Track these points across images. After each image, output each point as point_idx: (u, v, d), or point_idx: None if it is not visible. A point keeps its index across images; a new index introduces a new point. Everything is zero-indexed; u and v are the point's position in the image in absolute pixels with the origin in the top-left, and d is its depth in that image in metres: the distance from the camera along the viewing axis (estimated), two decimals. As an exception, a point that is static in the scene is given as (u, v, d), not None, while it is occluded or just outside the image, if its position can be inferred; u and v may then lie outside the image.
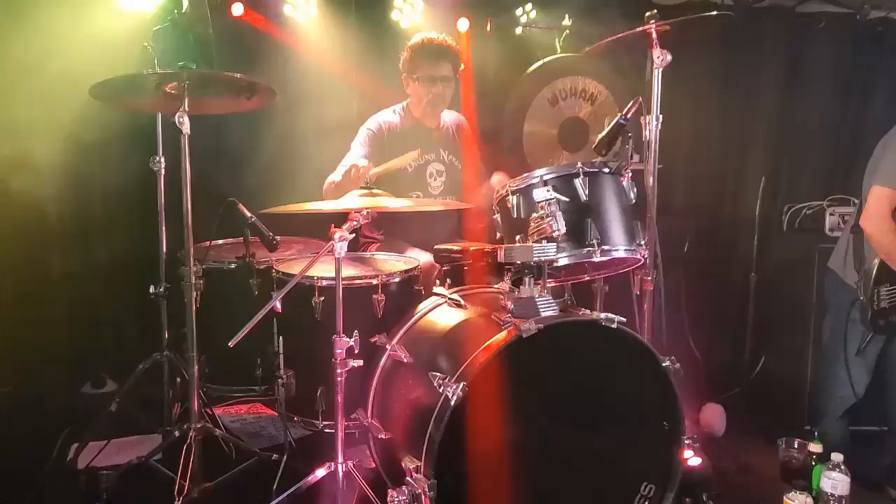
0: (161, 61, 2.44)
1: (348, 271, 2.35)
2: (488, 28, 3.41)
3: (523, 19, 3.51)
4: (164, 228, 2.58)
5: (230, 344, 1.75)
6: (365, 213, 2.02)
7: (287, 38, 3.28)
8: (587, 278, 2.46)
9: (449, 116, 3.06)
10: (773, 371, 3.52)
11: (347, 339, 1.97)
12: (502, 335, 1.82)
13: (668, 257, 3.24)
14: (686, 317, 3.35)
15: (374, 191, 2.11)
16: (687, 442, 1.99)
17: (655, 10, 2.39)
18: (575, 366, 1.95)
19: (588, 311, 2.02)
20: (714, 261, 3.67)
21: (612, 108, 3.33)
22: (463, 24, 3.43)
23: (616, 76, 3.37)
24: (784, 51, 3.76)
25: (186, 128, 2.07)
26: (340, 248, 1.95)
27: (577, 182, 2.11)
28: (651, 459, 2.01)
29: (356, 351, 1.99)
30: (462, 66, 2.92)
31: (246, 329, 1.78)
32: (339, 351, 1.96)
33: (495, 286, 2.30)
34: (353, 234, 2.00)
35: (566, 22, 3.43)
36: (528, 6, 3.47)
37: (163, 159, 2.49)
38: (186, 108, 2.05)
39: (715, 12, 2.33)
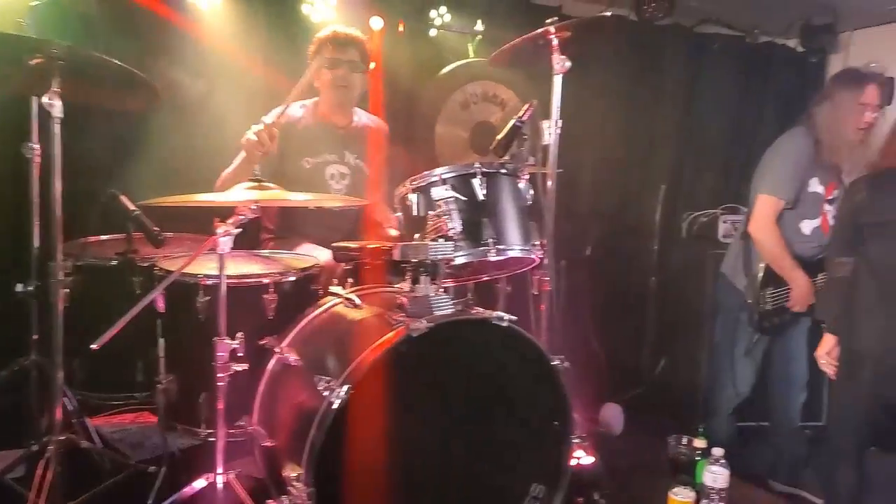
0: (38, 40, 2.25)
1: (241, 269, 2.25)
2: (401, 28, 3.38)
3: (437, 22, 3.50)
4: (36, 221, 2.37)
5: (94, 346, 1.62)
6: (253, 206, 1.93)
7: (188, 26, 3.13)
8: (486, 278, 2.45)
9: (365, 118, 2.98)
10: (672, 371, 3.66)
11: (230, 342, 1.87)
12: (391, 335, 1.78)
13: (573, 260, 3.32)
14: (590, 318, 3.42)
15: (264, 183, 2.02)
16: (577, 441, 2.01)
17: (556, 18, 2.42)
18: (467, 365, 1.93)
19: (482, 311, 2.01)
20: (618, 264, 3.77)
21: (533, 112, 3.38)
22: (376, 23, 3.37)
23: (526, 83, 3.41)
24: (684, 67, 3.93)
25: (57, 110, 1.92)
26: (224, 243, 1.85)
27: (475, 182, 2.10)
28: (541, 459, 2.01)
29: (240, 354, 1.89)
30: (373, 64, 2.86)
31: (113, 330, 1.66)
32: (220, 354, 1.85)
33: (396, 286, 2.27)
34: (240, 230, 1.90)
35: (479, 27, 3.45)
36: (443, 9, 3.47)
37: (37, 146, 2.29)
38: (57, 88, 1.90)
39: (609, 13, 2.38)
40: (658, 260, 3.56)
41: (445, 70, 3.33)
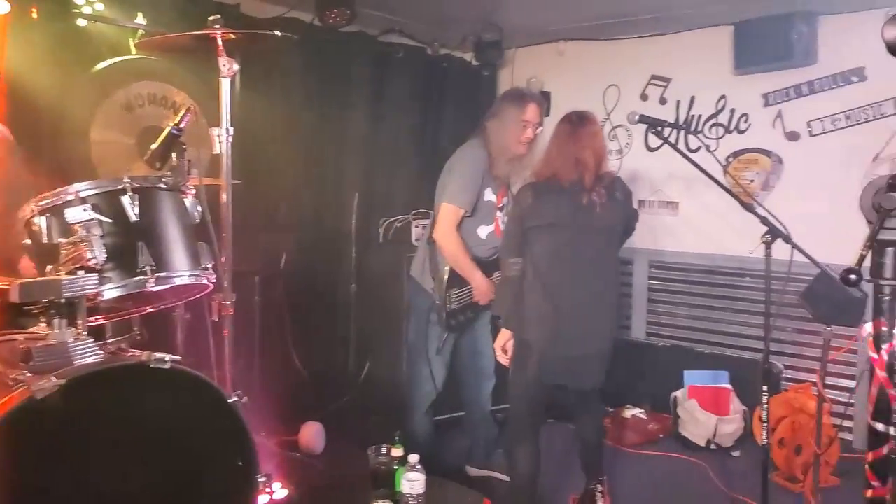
0: None
1: None
2: (34, 13, 2.81)
3: (87, 10, 3.00)
4: None
5: None
6: None
7: None
8: (151, 309, 2.15)
9: None
10: (377, 376, 3.71)
11: None
12: (5, 400, 1.42)
13: (268, 275, 3.16)
14: (290, 334, 3.29)
15: None
16: (264, 479, 1.87)
17: (219, 16, 2.22)
18: (127, 416, 1.64)
19: (138, 353, 1.74)
20: (318, 274, 3.71)
21: (197, 119, 3.07)
22: (2, 7, 2.77)
23: (203, 86, 3.12)
24: (370, 75, 4.01)
25: None
26: None
27: (125, 200, 1.81)
28: (229, 502, 1.83)
29: None
30: None
31: None
32: None
33: (31, 329, 1.85)
34: None
35: (140, 20, 3.05)
36: (93, -4, 2.98)
37: None
38: None
39: (279, 32, 2.27)
40: (357, 266, 3.58)
41: (100, 67, 2.87)
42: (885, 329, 0.72)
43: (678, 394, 3.72)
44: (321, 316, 3.69)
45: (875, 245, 0.73)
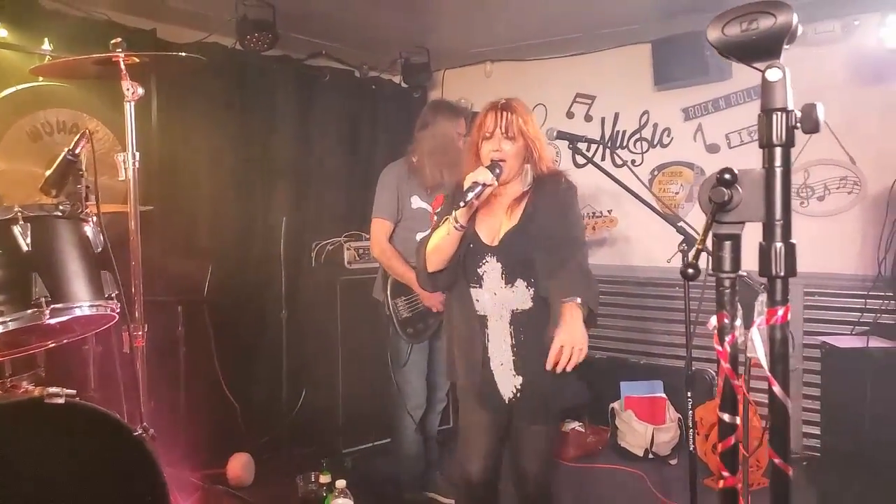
0: None
1: None
2: (-72, 40, 2.70)
3: (-11, 37, 2.89)
4: None
5: None
6: None
7: None
8: (54, 343, 2.04)
9: None
10: (313, 403, 3.62)
11: None
12: None
13: (190, 303, 3.05)
14: (218, 363, 3.19)
15: None
16: (174, 515, 1.78)
17: (121, 39, 2.16)
18: (24, 456, 1.55)
19: (31, 388, 1.65)
20: (247, 301, 3.61)
21: (113, 146, 2.98)
22: None
23: (118, 112, 3.03)
24: (296, 99, 3.97)
25: None
26: None
27: (16, 229, 1.73)
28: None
29: None
30: None
31: None
32: None
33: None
34: None
35: (47, 46, 2.95)
36: (-6, 22, 2.87)
37: None
38: None
39: (184, 54, 2.23)
40: (287, 291, 3.50)
41: (3, 94, 2.76)
42: (727, 321, 0.72)
43: (615, 405, 3.76)
44: (252, 344, 3.58)
45: (714, 239, 0.74)
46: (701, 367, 3.79)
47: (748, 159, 3.83)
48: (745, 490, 2.94)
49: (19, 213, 1.74)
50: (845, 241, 3.58)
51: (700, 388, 3.63)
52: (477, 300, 2.08)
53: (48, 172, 1.90)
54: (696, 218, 3.98)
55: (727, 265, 0.74)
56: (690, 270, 0.76)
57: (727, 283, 0.74)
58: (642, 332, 4.18)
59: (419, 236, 2.95)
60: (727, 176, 0.74)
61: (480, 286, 2.06)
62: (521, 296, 2.03)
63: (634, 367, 4.02)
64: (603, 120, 4.28)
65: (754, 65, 0.75)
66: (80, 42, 2.92)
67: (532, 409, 2.06)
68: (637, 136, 4.19)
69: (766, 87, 0.72)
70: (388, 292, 2.94)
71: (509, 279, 2.03)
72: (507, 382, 2.05)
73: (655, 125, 4.13)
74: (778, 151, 0.70)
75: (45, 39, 2.93)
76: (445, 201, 2.25)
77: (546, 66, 4.39)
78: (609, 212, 4.20)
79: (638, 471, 3.42)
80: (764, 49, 0.72)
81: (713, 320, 0.75)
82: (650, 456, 3.53)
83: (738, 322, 0.73)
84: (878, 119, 3.45)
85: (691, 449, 2.50)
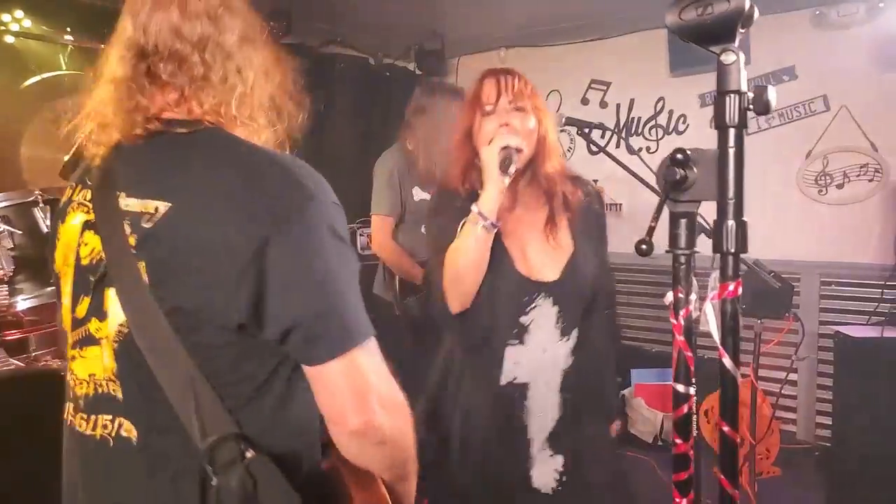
0: None
1: None
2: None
3: (14, 27, 3.00)
4: None
5: None
6: None
7: None
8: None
9: None
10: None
11: None
12: None
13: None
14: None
15: None
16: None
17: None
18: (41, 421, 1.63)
19: (52, 362, 1.73)
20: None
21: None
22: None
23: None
24: (312, 85, 3.99)
25: None
26: None
27: (37, 212, 1.82)
28: None
29: None
30: None
31: None
32: None
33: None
34: None
35: (69, 37, 3.05)
36: (19, 13, 2.98)
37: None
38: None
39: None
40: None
41: (28, 83, 2.87)
42: (681, 296, 0.76)
43: (626, 392, 3.78)
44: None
45: (671, 217, 0.77)
46: (713, 357, 3.79)
47: (765, 146, 3.80)
48: (751, 479, 2.95)
49: (39, 196, 1.82)
50: (865, 229, 3.53)
51: (711, 376, 3.63)
52: (516, 363, 1.48)
53: (66, 157, 1.98)
54: (711, 205, 3.96)
55: (682, 242, 0.77)
56: (643, 246, 0.79)
57: (682, 259, 0.77)
58: (654, 321, 4.18)
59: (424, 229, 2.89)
60: (679, 156, 0.77)
61: (522, 342, 1.47)
62: (570, 349, 1.51)
63: (645, 354, 4.02)
64: (618, 106, 4.27)
65: (711, 48, 0.77)
66: (101, 31, 3.01)
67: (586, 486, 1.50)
68: (652, 122, 4.17)
69: (720, 70, 0.75)
70: (397, 291, 2.79)
71: (566, 330, 1.48)
72: (546, 469, 1.49)
73: (671, 112, 4.10)
74: (731, 133, 0.73)
75: (68, 28, 3.03)
76: (436, 208, 1.67)
77: (560, 52, 4.38)
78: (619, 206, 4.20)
79: (647, 457, 3.44)
80: (719, 33, 0.74)
81: (669, 296, 0.78)
82: (660, 443, 3.55)
83: (693, 297, 0.76)
84: (903, 105, 3.38)
85: (694, 433, 2.51)
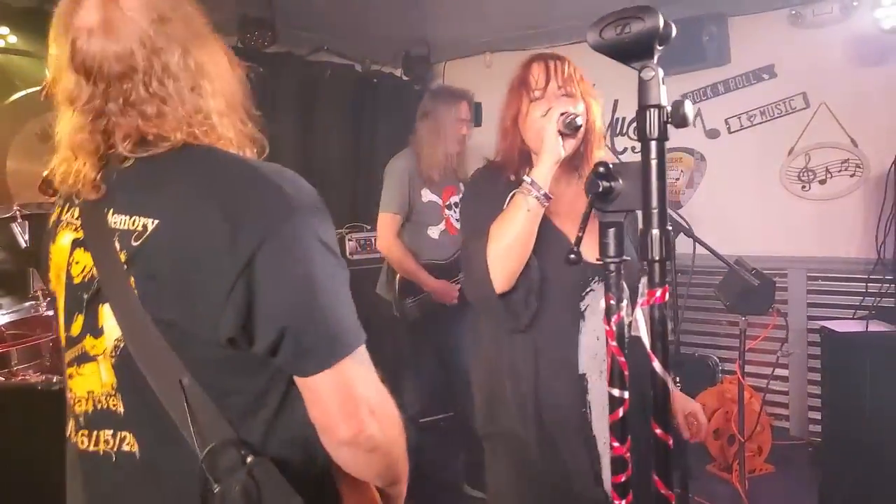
0: None
1: None
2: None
3: (0, 44, 3.04)
4: None
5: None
6: None
7: None
8: (54, 336, 2.17)
9: None
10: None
11: None
12: None
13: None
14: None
15: None
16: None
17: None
18: (15, 440, 1.66)
19: (32, 376, 1.76)
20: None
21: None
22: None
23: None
24: (300, 93, 4.06)
25: None
26: None
27: (15, 227, 1.85)
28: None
29: None
30: None
31: None
32: None
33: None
34: None
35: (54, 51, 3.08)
36: (4, 30, 3.02)
37: None
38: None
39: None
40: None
41: (13, 97, 2.90)
42: (612, 303, 0.78)
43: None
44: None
45: (600, 227, 0.80)
46: (704, 354, 3.80)
47: (748, 145, 3.82)
48: (741, 476, 2.96)
49: (18, 212, 1.85)
50: (848, 224, 3.55)
51: (704, 374, 3.64)
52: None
53: (45, 173, 2.00)
54: (697, 204, 3.99)
55: (611, 251, 0.80)
56: (572, 256, 0.82)
57: (612, 267, 0.79)
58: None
59: (433, 231, 2.90)
60: (601, 169, 0.79)
61: (580, 328, 1.42)
62: None
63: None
64: (602, 107, 4.28)
65: (632, 65, 0.80)
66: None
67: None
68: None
69: (641, 86, 0.78)
70: (397, 291, 2.84)
71: None
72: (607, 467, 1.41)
73: (655, 112, 4.12)
74: (653, 145, 0.76)
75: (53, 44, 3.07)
76: (476, 194, 1.65)
77: (546, 55, 4.40)
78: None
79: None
80: (638, 51, 0.77)
81: (601, 302, 0.81)
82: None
83: (625, 303, 0.79)
84: (881, 100, 3.41)
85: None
